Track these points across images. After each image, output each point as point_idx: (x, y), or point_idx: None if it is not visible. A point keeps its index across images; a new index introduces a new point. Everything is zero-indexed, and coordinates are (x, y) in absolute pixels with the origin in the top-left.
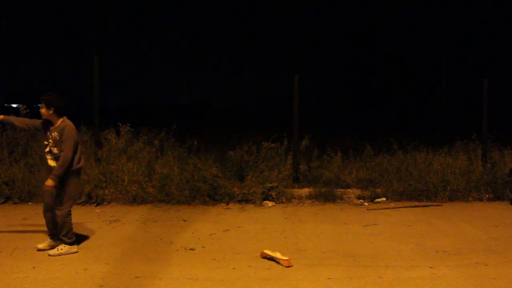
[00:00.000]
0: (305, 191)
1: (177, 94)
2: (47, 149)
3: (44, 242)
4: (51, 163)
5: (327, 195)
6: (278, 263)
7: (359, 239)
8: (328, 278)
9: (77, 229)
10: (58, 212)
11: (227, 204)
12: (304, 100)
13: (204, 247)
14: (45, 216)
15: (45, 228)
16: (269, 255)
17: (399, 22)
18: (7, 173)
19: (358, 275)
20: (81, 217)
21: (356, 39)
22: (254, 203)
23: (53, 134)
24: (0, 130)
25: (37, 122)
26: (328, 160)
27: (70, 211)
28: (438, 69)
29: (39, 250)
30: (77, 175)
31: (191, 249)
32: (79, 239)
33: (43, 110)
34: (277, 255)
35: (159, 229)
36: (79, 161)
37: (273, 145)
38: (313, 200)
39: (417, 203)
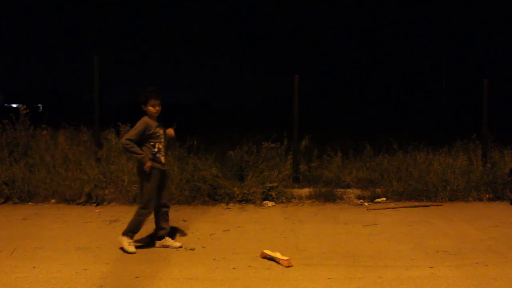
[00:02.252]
0: (305, 191)
1: (177, 94)
2: (159, 147)
3: (172, 240)
4: (164, 159)
5: (327, 195)
6: (278, 263)
7: (359, 239)
8: (328, 278)
9: (77, 229)
10: (168, 209)
11: (227, 204)
12: (304, 100)
13: (204, 247)
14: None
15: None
16: (269, 255)
17: (399, 22)
18: (7, 173)
19: (358, 275)
20: (81, 217)
21: (356, 39)
22: (254, 203)
23: (162, 130)
24: (0, 130)
25: (142, 132)
26: (328, 160)
27: None
28: (438, 69)
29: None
30: None
31: (191, 249)
32: (79, 239)
33: (160, 107)
34: (277, 255)
35: None
36: None
37: (273, 145)
38: (313, 200)
39: (417, 203)
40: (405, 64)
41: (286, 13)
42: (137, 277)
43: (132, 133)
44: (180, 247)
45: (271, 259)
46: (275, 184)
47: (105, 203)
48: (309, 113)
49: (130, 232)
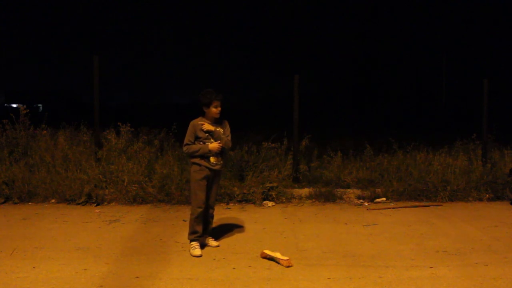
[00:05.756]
0: (305, 191)
1: (177, 94)
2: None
3: (212, 240)
4: (213, 159)
5: (327, 195)
6: (278, 263)
7: (359, 239)
8: (328, 278)
9: (77, 229)
10: (212, 211)
11: (227, 204)
12: (304, 99)
13: (204, 247)
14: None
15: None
16: (269, 255)
17: (400, 23)
18: (7, 173)
19: (358, 275)
20: (81, 217)
21: (357, 39)
22: (254, 203)
23: (217, 129)
24: (0, 130)
25: (193, 133)
26: (328, 160)
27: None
28: (438, 69)
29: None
30: None
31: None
32: (79, 239)
33: (219, 109)
34: (277, 255)
35: (159, 229)
36: None
37: (273, 145)
38: (313, 200)
39: (417, 203)
40: (405, 65)
41: (288, 14)
42: (137, 277)
43: (186, 137)
44: (218, 246)
45: (271, 259)
46: (275, 184)
47: (105, 203)
48: (309, 113)
49: (191, 234)
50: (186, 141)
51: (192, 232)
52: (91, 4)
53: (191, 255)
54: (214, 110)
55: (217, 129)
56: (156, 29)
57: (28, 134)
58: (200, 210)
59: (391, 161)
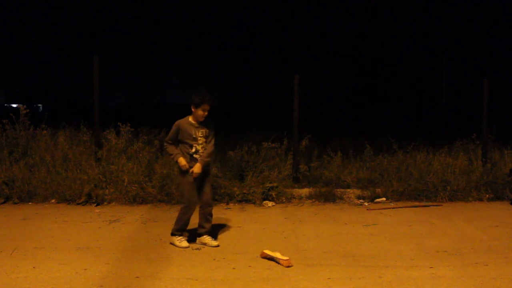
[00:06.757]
0: (305, 191)
1: (177, 94)
2: (197, 148)
3: (212, 240)
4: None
5: (327, 195)
6: (278, 263)
7: (359, 239)
8: (328, 278)
9: (77, 229)
10: (210, 209)
11: (227, 204)
12: (304, 99)
13: (204, 247)
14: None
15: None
16: (269, 255)
17: (400, 23)
18: (7, 173)
19: (358, 275)
20: (81, 217)
21: (358, 39)
22: (254, 203)
23: (202, 131)
24: (0, 130)
25: (175, 134)
26: (328, 160)
27: None
28: (438, 69)
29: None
30: None
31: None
32: (79, 239)
33: (206, 113)
34: (277, 255)
35: (159, 229)
36: None
37: (273, 145)
38: (313, 200)
39: (417, 203)
40: (406, 65)
41: (288, 14)
42: (137, 277)
43: (168, 136)
44: (217, 246)
45: (271, 259)
46: (275, 184)
47: (105, 203)
48: (309, 113)
49: (177, 231)
50: (166, 138)
51: (179, 229)
52: (91, 4)
53: (179, 247)
54: (201, 113)
55: (202, 131)
56: (156, 29)
57: (28, 134)
58: (193, 207)
59: (391, 161)
